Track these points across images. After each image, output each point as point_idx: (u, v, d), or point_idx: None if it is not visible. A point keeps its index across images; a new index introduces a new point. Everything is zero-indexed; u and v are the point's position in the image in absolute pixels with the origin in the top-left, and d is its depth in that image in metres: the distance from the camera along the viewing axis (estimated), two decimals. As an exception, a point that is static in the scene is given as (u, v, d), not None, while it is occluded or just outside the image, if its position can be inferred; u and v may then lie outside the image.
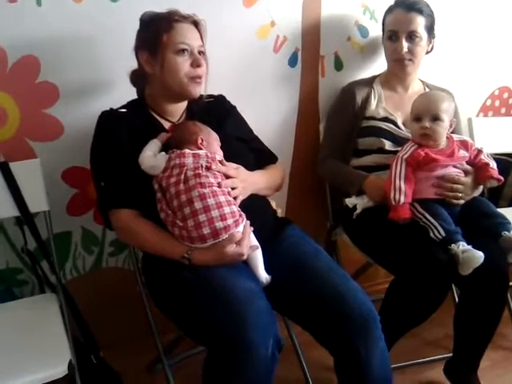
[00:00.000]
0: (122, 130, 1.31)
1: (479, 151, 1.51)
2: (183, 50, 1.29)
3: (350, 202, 1.62)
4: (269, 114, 1.77)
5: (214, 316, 1.08)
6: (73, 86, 1.47)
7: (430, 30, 1.65)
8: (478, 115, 2.13)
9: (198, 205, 1.18)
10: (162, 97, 1.37)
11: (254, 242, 1.24)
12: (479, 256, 1.29)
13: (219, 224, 1.18)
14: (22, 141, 1.46)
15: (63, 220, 1.59)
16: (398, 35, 1.61)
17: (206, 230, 1.17)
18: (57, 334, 1.26)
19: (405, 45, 1.60)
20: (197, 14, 1.36)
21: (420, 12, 1.60)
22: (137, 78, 1.40)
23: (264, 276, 1.23)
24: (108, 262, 1.72)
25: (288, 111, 1.80)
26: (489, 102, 2.14)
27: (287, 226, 1.38)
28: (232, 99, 1.53)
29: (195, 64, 1.31)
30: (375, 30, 1.80)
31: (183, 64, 1.30)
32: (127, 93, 1.44)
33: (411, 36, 1.60)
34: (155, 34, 1.29)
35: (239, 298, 1.08)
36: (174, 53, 1.29)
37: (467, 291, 1.42)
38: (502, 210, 1.57)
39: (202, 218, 1.17)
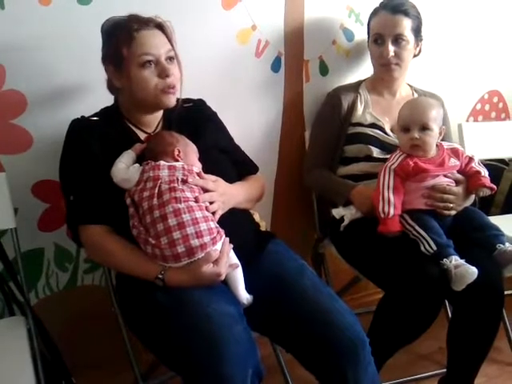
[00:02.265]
0: (93, 140, 1.23)
1: (470, 159, 1.45)
2: (148, 62, 1.21)
3: (336, 212, 1.57)
4: (252, 121, 1.71)
5: (187, 345, 1.00)
6: (41, 94, 1.40)
7: (417, 32, 1.59)
8: (467, 120, 2.10)
9: (172, 221, 1.11)
10: (135, 108, 1.30)
11: (234, 260, 1.17)
12: (473, 272, 1.23)
13: (195, 242, 1.10)
14: (-12, 154, 1.39)
15: (35, 236, 1.51)
16: (383, 39, 1.56)
17: (180, 249, 1.10)
18: (21, 362, 1.17)
19: (391, 49, 1.55)
20: (169, 17, 1.28)
21: (406, 14, 1.55)
22: (111, 87, 1.33)
23: (245, 296, 1.16)
24: (84, 279, 1.64)
25: (272, 118, 1.75)
26: (478, 107, 2.11)
27: (270, 241, 1.32)
28: (212, 107, 1.46)
29: (163, 74, 1.22)
30: (361, 34, 1.76)
31: (150, 77, 1.21)
32: (100, 100, 1.37)
33: (397, 39, 1.55)
34: (115, 47, 1.21)
35: (215, 324, 1.01)
36: (139, 66, 1.20)
37: (461, 307, 1.36)
38: (493, 218, 1.53)
39: (177, 235, 1.10)
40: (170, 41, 1.25)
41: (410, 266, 1.31)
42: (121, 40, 1.20)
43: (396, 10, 1.54)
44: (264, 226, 1.43)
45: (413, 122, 1.39)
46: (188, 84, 1.33)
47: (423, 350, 1.76)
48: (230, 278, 1.16)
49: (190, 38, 1.47)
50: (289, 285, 1.18)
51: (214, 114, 1.44)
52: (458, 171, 1.43)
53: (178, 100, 1.32)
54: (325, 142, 1.65)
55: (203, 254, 1.11)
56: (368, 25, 1.65)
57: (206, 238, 1.11)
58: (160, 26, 1.25)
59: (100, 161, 1.21)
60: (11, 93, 1.36)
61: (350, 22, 1.75)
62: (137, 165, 1.21)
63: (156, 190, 1.14)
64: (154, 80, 1.22)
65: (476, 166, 1.44)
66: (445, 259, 1.27)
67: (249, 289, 1.17)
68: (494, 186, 1.43)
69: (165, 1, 1.44)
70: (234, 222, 1.22)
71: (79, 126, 1.27)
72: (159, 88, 1.22)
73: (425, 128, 1.38)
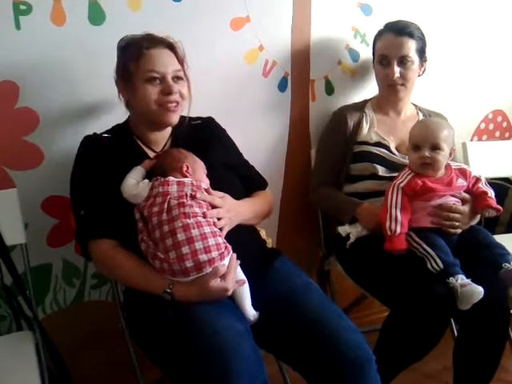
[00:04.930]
0: (104, 156, 1.26)
1: (477, 179, 1.46)
2: (154, 78, 1.24)
3: (342, 230, 1.57)
4: (258, 139, 1.72)
5: (196, 361, 1.01)
6: (53, 112, 1.42)
7: (422, 53, 1.62)
8: (472, 139, 2.11)
9: (180, 236, 1.12)
10: (142, 124, 1.33)
11: (241, 276, 1.18)
12: (479, 291, 1.23)
13: (203, 257, 1.11)
14: (0, 169, 1.40)
15: (43, 252, 1.52)
16: (389, 60, 1.58)
17: (188, 263, 1.11)
18: (29, 377, 1.18)
19: (396, 70, 1.57)
20: (179, 38, 1.32)
21: (411, 36, 1.57)
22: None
23: (251, 313, 1.17)
24: (91, 294, 1.64)
25: (278, 137, 1.77)
26: (483, 126, 2.12)
27: (276, 258, 1.32)
28: (220, 125, 1.48)
29: (166, 91, 1.25)
30: (366, 54, 1.78)
31: (152, 92, 1.24)
32: (111, 119, 1.41)
33: (403, 61, 1.57)
34: (124, 62, 1.26)
35: (223, 341, 1.01)
36: (144, 81, 1.24)
37: (467, 326, 1.36)
38: (498, 237, 1.53)
39: (185, 250, 1.11)
40: (180, 61, 1.29)
41: (416, 285, 1.31)
42: (130, 56, 1.24)
43: (401, 31, 1.57)
44: (270, 242, 1.44)
45: (424, 141, 1.40)
46: (196, 103, 1.36)
47: (429, 369, 1.75)
48: (237, 295, 1.17)
49: (198, 58, 1.50)
50: (295, 302, 1.18)
51: (223, 130, 1.46)
52: (465, 191, 1.44)
53: (185, 118, 1.35)
54: (330, 160, 1.66)
55: (211, 269, 1.11)
56: (373, 46, 1.67)
57: (214, 253, 1.12)
58: (171, 46, 1.28)
59: (110, 176, 1.23)
60: (24, 110, 1.39)
61: (355, 43, 1.77)
62: (146, 180, 1.23)
63: (165, 206, 1.15)
64: (155, 95, 1.25)
65: (483, 186, 1.45)
66: (451, 278, 1.27)
67: (255, 305, 1.18)
68: (500, 208, 1.43)
69: (175, 22, 1.47)
70: (241, 239, 1.23)
71: (91, 142, 1.30)
72: (158, 103, 1.25)
73: (436, 148, 1.38)
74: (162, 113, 1.26)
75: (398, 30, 1.57)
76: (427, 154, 1.38)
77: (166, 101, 1.25)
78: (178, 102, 1.27)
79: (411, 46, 1.57)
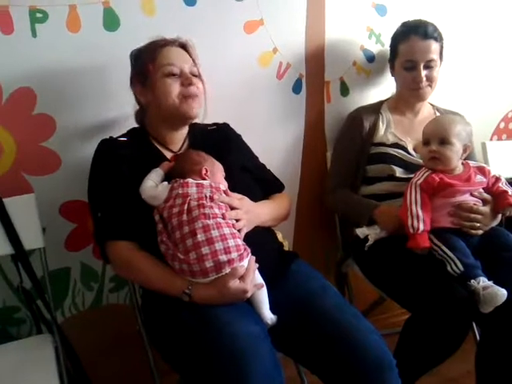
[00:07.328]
0: (121, 158, 1.27)
1: (497, 179, 1.43)
2: (172, 74, 1.27)
3: (360, 232, 1.55)
4: (274, 142, 1.72)
5: (213, 364, 1.00)
6: (70, 117, 1.43)
7: (441, 54, 1.60)
8: (491, 138, 2.08)
9: (201, 236, 1.12)
10: (161, 123, 1.34)
11: (259, 279, 1.17)
12: (502, 294, 1.20)
13: (223, 257, 1.11)
14: (19, 175, 1.42)
15: (62, 256, 1.54)
16: (415, 64, 1.56)
17: (208, 264, 1.10)
18: (48, 380, 1.18)
19: (423, 74, 1.55)
20: (194, 41, 1.34)
21: (435, 39, 1.56)
22: (138, 115, 1.39)
23: (269, 316, 1.15)
24: (109, 298, 1.65)
25: (293, 139, 1.76)
26: (502, 125, 2.09)
27: (293, 261, 1.31)
28: (235, 128, 1.49)
29: (186, 83, 1.28)
30: (381, 54, 1.76)
31: (173, 85, 1.27)
32: (126, 124, 1.42)
33: (429, 64, 1.56)
34: (142, 65, 1.28)
35: (241, 344, 1.00)
36: (163, 76, 1.27)
37: (489, 330, 1.33)
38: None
39: (205, 250, 1.11)
40: (193, 59, 1.31)
41: (437, 287, 1.28)
42: (147, 58, 1.27)
43: (427, 35, 1.54)
44: (287, 245, 1.43)
45: (433, 135, 1.39)
46: (211, 106, 1.36)
47: (451, 374, 1.72)
48: (255, 298, 1.16)
49: (212, 62, 1.50)
50: (312, 305, 1.17)
51: (238, 136, 1.47)
52: (485, 190, 1.41)
53: (200, 123, 1.36)
54: (347, 162, 1.65)
55: (230, 270, 1.11)
56: (394, 47, 1.63)
57: (234, 254, 1.12)
58: (184, 46, 1.31)
59: (127, 178, 1.23)
60: (42, 116, 1.40)
61: (370, 43, 1.76)
62: (165, 183, 1.23)
63: (185, 207, 1.15)
64: (177, 87, 1.27)
65: (503, 186, 1.42)
66: (472, 280, 1.25)
67: (272, 309, 1.17)
68: (522, 206, 1.40)
69: (189, 26, 1.48)
70: (259, 242, 1.22)
71: (108, 145, 1.31)
72: (180, 95, 1.27)
73: (444, 142, 1.37)
74: (182, 104, 1.28)
75: (424, 33, 1.54)
76: (434, 147, 1.37)
77: (187, 92, 1.27)
78: (197, 95, 1.29)
79: (435, 49, 1.56)
